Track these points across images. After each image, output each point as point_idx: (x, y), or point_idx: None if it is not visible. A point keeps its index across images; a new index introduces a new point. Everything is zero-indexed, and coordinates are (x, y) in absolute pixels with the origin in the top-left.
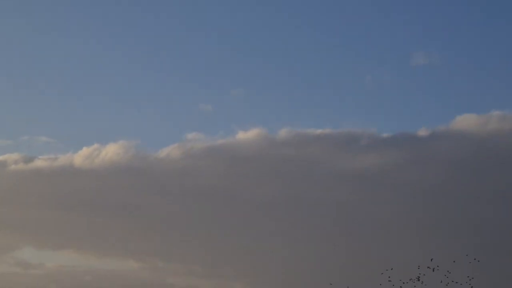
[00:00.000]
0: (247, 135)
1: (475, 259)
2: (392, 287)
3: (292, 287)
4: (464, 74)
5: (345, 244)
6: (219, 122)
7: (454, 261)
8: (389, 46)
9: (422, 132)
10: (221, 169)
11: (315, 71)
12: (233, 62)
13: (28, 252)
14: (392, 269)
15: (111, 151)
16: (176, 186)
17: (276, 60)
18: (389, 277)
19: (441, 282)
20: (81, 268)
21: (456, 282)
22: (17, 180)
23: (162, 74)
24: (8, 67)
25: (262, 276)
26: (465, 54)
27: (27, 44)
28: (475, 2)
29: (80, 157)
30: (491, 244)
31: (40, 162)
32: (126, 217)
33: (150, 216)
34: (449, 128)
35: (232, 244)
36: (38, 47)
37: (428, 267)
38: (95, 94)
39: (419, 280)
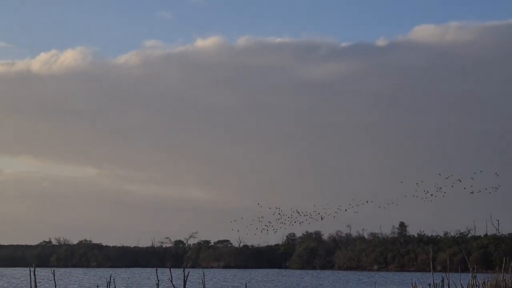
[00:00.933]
0: (206, 42)
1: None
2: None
3: (250, 193)
4: None
5: (303, 151)
6: (178, 29)
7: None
8: None
9: (381, 42)
10: (179, 77)
11: None
12: None
13: None
14: None
15: (69, 57)
16: (135, 93)
17: None
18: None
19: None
20: (40, 174)
21: None
22: None
23: None
24: None
25: (221, 183)
26: None
27: None
28: None
29: (38, 62)
30: (449, 151)
31: None
32: (85, 124)
33: (109, 123)
34: (407, 38)
35: (191, 152)
36: None
37: None
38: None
39: None
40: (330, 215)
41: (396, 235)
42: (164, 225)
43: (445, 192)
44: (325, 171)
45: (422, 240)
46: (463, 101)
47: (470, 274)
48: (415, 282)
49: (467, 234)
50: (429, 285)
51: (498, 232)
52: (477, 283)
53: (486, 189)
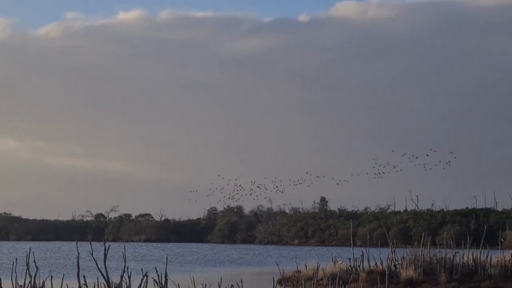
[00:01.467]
0: (127, 16)
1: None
2: None
3: (172, 167)
4: None
5: (229, 125)
6: (100, 1)
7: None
8: None
9: (303, 17)
10: (101, 50)
11: None
12: None
13: None
14: None
15: None
16: (56, 65)
17: None
18: None
19: None
20: None
21: None
22: None
23: None
24: None
25: (143, 157)
26: None
27: None
28: None
29: None
30: (370, 129)
31: None
32: (4, 96)
33: (29, 95)
34: (329, 14)
35: (113, 125)
36: None
37: None
38: None
39: None
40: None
41: (317, 210)
42: (85, 199)
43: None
44: (255, 146)
45: (343, 215)
46: (403, 78)
47: (390, 249)
48: (335, 257)
49: (387, 210)
50: (349, 259)
51: (417, 208)
52: (397, 258)
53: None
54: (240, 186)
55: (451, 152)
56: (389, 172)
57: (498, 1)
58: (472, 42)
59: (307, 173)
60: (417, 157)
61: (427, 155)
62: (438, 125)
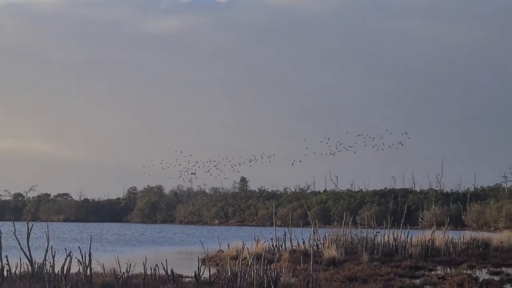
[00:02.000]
0: None
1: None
2: None
3: (90, 147)
4: None
5: (152, 105)
6: None
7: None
8: None
9: None
10: (21, 28)
11: None
12: None
13: None
14: None
15: None
16: None
17: None
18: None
19: None
20: None
21: None
22: None
23: None
24: None
25: (63, 137)
26: None
27: None
28: None
29: None
30: (293, 105)
31: None
32: None
33: None
34: None
35: (33, 105)
36: None
37: None
38: None
39: None
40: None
41: (237, 190)
42: (3, 178)
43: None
44: (179, 125)
45: (263, 195)
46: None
47: (312, 229)
48: (257, 236)
49: (307, 190)
50: (271, 239)
51: (337, 188)
52: (319, 237)
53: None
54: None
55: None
56: (320, 154)
57: None
58: (396, 23)
59: (225, 157)
60: (328, 139)
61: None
62: (362, 106)
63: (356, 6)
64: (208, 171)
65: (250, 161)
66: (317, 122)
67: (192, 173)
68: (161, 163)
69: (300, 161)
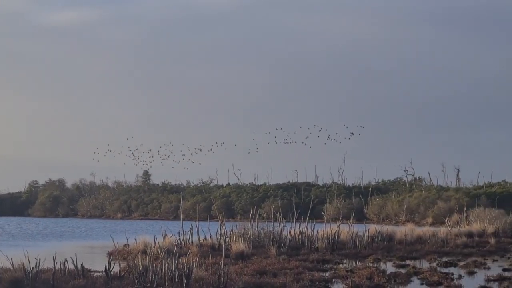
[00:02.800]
0: None
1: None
2: None
3: (6, 141)
4: None
5: (61, 98)
6: None
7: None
8: None
9: None
10: None
11: None
12: None
13: None
14: None
15: None
16: None
17: None
18: None
19: None
20: None
21: None
22: None
23: None
24: None
25: None
26: None
27: None
28: None
29: None
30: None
31: None
32: None
33: None
34: None
35: None
36: None
37: None
38: None
39: None
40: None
41: (140, 184)
42: None
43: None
44: (85, 118)
45: (166, 189)
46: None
47: (219, 222)
48: (164, 230)
49: (210, 183)
50: (178, 233)
51: (240, 182)
52: (226, 231)
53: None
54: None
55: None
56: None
57: None
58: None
59: (132, 148)
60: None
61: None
62: (267, 101)
63: (261, 1)
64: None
65: (152, 157)
66: (223, 116)
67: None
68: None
69: (205, 155)
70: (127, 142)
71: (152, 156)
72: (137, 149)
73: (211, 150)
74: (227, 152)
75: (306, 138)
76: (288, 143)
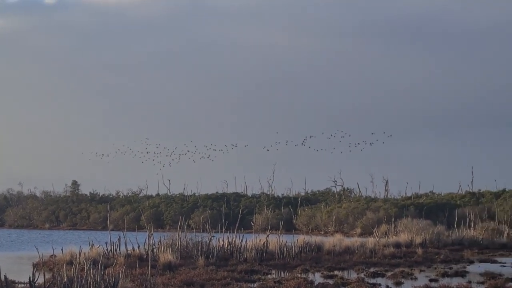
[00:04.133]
0: None
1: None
2: None
3: None
4: None
5: None
6: None
7: None
8: None
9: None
10: None
11: None
12: None
13: None
14: None
15: None
16: None
17: None
18: None
19: None
20: None
21: None
22: None
23: None
24: None
25: None
26: None
27: None
28: None
29: None
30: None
31: None
32: None
33: None
34: None
35: None
36: None
37: None
38: None
39: None
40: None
41: (68, 194)
42: None
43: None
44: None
45: (95, 199)
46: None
47: (147, 233)
48: (92, 241)
49: (139, 194)
50: (106, 243)
51: (170, 192)
52: (154, 241)
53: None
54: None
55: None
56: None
57: None
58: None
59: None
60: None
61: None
62: (197, 112)
63: (185, 13)
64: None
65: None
66: (151, 127)
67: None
68: None
69: (140, 164)
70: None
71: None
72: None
73: (142, 162)
74: (157, 163)
75: (232, 149)
76: (218, 151)
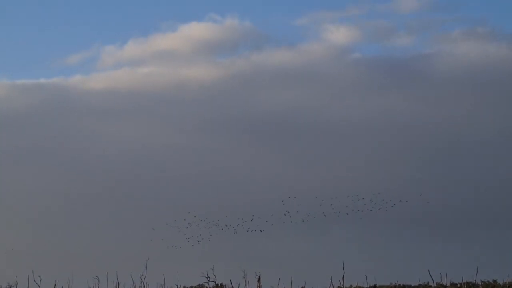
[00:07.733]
0: None
1: None
2: None
3: None
4: None
5: None
6: None
7: None
8: None
9: None
10: None
11: None
12: None
13: None
14: None
15: None
16: None
17: None
18: None
19: None
20: None
21: None
22: None
23: None
24: None
25: None
26: None
27: None
28: None
29: None
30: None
31: None
32: None
33: None
34: None
35: None
36: None
37: None
38: None
39: None
40: None
41: None
42: None
43: None
44: None
45: None
46: None
47: None
48: None
49: None
50: None
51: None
52: None
53: None
54: None
55: None
56: None
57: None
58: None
59: None
60: None
61: None
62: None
63: (48, 107)
64: None
65: None
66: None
67: None
68: None
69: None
70: None
71: None
72: None
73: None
74: (27, 257)
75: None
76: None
